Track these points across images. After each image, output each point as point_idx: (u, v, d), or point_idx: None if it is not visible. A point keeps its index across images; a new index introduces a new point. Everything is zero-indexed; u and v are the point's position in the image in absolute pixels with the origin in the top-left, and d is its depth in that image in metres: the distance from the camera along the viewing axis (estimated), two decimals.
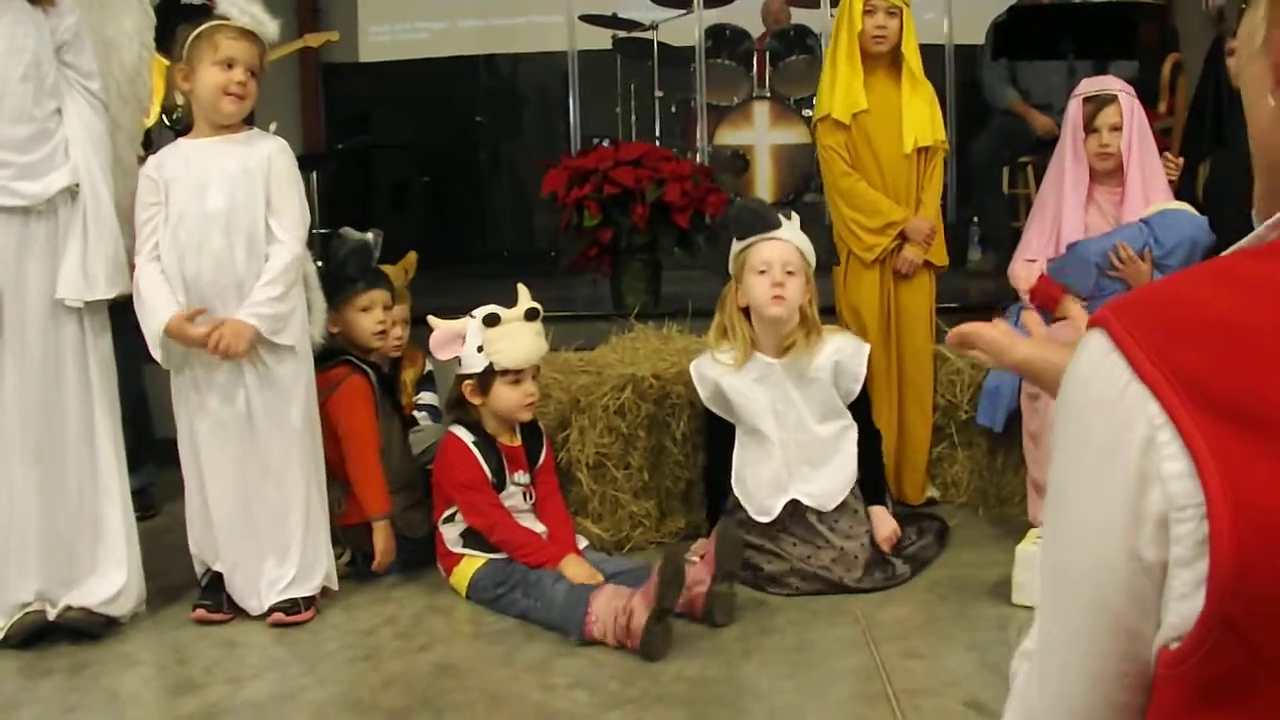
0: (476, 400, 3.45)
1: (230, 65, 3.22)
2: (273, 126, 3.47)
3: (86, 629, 3.15)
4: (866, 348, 3.63)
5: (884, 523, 3.55)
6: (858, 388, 3.60)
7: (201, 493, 3.34)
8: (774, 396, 3.53)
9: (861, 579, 3.41)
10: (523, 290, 3.53)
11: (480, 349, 3.42)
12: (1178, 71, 4.57)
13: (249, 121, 3.40)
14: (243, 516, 3.32)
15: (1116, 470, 0.77)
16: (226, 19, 3.22)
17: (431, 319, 3.53)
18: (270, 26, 3.29)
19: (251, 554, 3.32)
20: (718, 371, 3.56)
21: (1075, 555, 0.82)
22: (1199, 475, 0.72)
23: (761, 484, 3.52)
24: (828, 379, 3.54)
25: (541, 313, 3.48)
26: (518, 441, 3.53)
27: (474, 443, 3.44)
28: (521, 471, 3.51)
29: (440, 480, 3.49)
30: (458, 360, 3.49)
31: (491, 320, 3.41)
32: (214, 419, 3.29)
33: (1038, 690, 0.90)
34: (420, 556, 3.61)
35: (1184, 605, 0.75)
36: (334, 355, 3.66)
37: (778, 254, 3.46)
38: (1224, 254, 0.84)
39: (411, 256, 4.36)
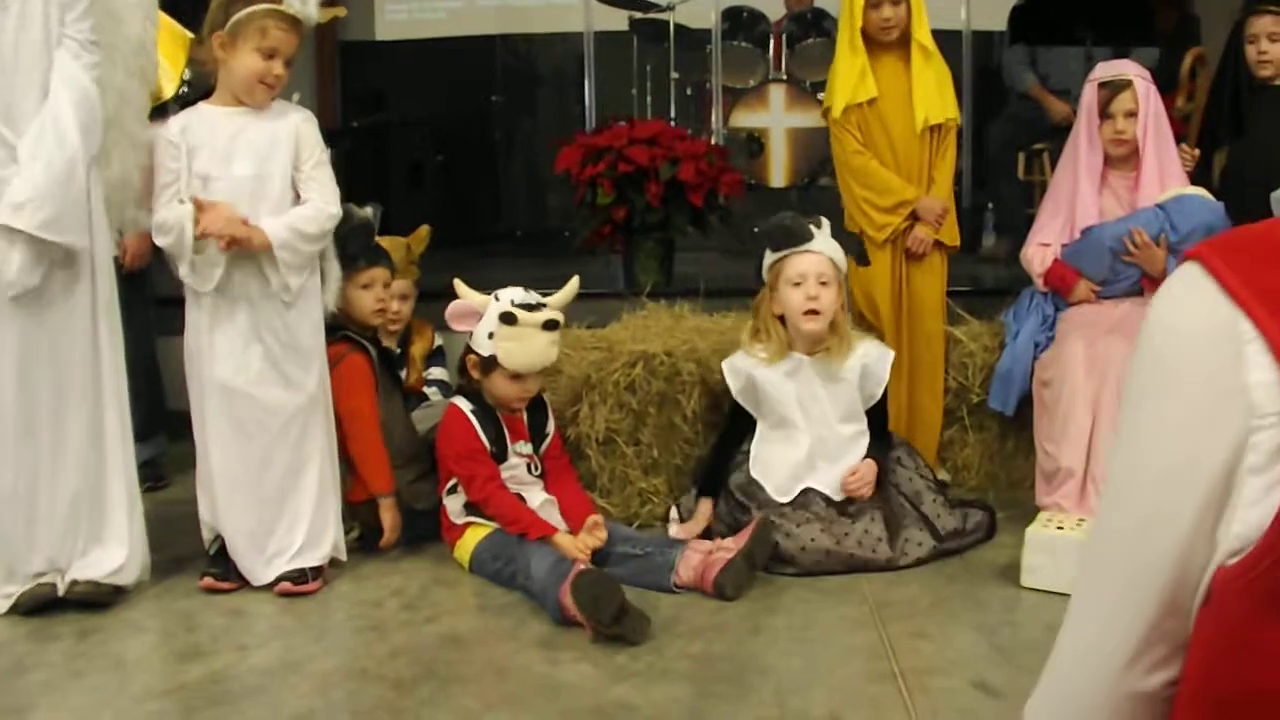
0: (476, 376, 3.48)
1: (272, 55, 3.23)
2: (295, 97, 3.47)
3: (95, 600, 3.16)
4: (891, 354, 3.72)
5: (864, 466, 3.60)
6: (879, 392, 3.68)
7: (209, 460, 3.34)
8: (802, 392, 3.61)
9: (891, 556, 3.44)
10: (572, 282, 3.54)
11: (491, 336, 3.41)
12: (1199, 65, 4.53)
13: None
14: (252, 483, 3.32)
15: (1202, 384, 0.81)
16: (279, 3, 3.21)
17: (458, 283, 3.52)
18: (315, 13, 3.29)
19: (259, 522, 3.32)
20: (751, 364, 3.63)
21: (1151, 465, 0.85)
22: None
23: (785, 466, 3.58)
24: (854, 381, 3.64)
25: (561, 324, 3.47)
26: (520, 414, 3.54)
27: (472, 411, 3.46)
28: (523, 441, 3.52)
29: (442, 451, 3.50)
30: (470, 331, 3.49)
31: (509, 319, 3.39)
32: (226, 384, 3.29)
33: (1076, 624, 0.93)
34: (428, 529, 3.62)
35: (1253, 512, 0.79)
36: (332, 331, 3.62)
37: (811, 266, 3.56)
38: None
39: (422, 230, 4.35)
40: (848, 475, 3.54)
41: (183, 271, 3.26)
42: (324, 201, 3.31)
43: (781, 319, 3.63)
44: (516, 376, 3.43)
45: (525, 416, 3.56)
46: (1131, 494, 0.88)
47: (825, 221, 3.69)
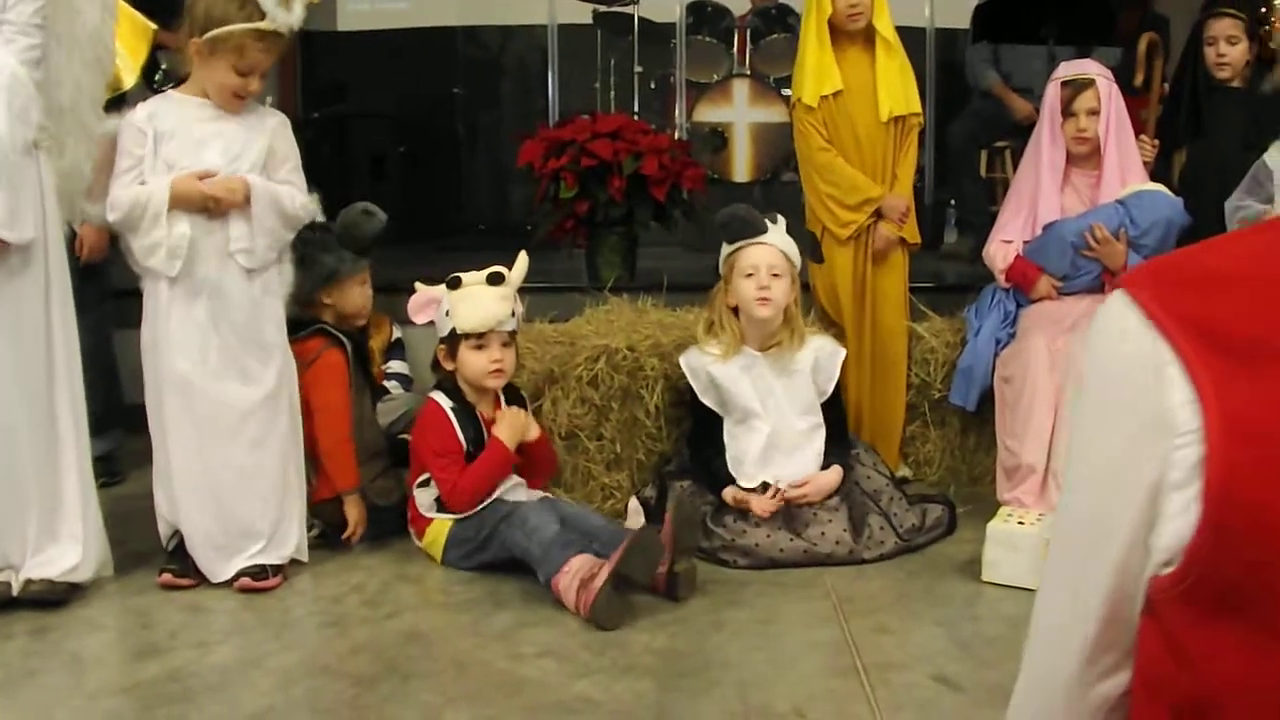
0: (449, 365, 3.49)
1: (248, 72, 3.20)
2: (269, 100, 3.44)
3: (50, 598, 3.11)
4: (843, 352, 3.78)
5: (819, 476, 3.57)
6: (830, 388, 3.71)
7: (168, 454, 3.30)
8: (758, 386, 3.63)
9: (852, 550, 3.44)
10: (520, 259, 3.55)
11: (448, 313, 3.44)
12: (1154, 51, 4.56)
13: None
14: (210, 479, 3.28)
15: (1130, 405, 0.86)
16: (261, 18, 3.17)
17: (417, 284, 3.55)
18: (298, 22, 3.26)
19: (217, 519, 3.28)
20: (706, 361, 3.65)
21: (1088, 482, 0.92)
22: (1200, 401, 0.81)
23: (750, 455, 3.58)
24: (807, 374, 3.67)
25: (507, 277, 3.47)
26: (495, 412, 3.53)
27: (452, 409, 3.45)
28: None
29: (417, 445, 3.49)
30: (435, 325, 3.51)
31: (453, 283, 3.45)
32: (184, 377, 3.25)
33: (1037, 630, 0.99)
34: (390, 525, 3.61)
35: (1175, 524, 0.83)
36: (306, 325, 3.61)
37: (764, 257, 3.61)
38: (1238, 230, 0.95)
39: None
40: (796, 488, 3.50)
41: (140, 256, 3.21)
42: (303, 199, 3.31)
43: (735, 311, 3.67)
44: (479, 345, 3.43)
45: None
46: (1074, 510, 0.94)
47: (780, 217, 3.74)
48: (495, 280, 3.45)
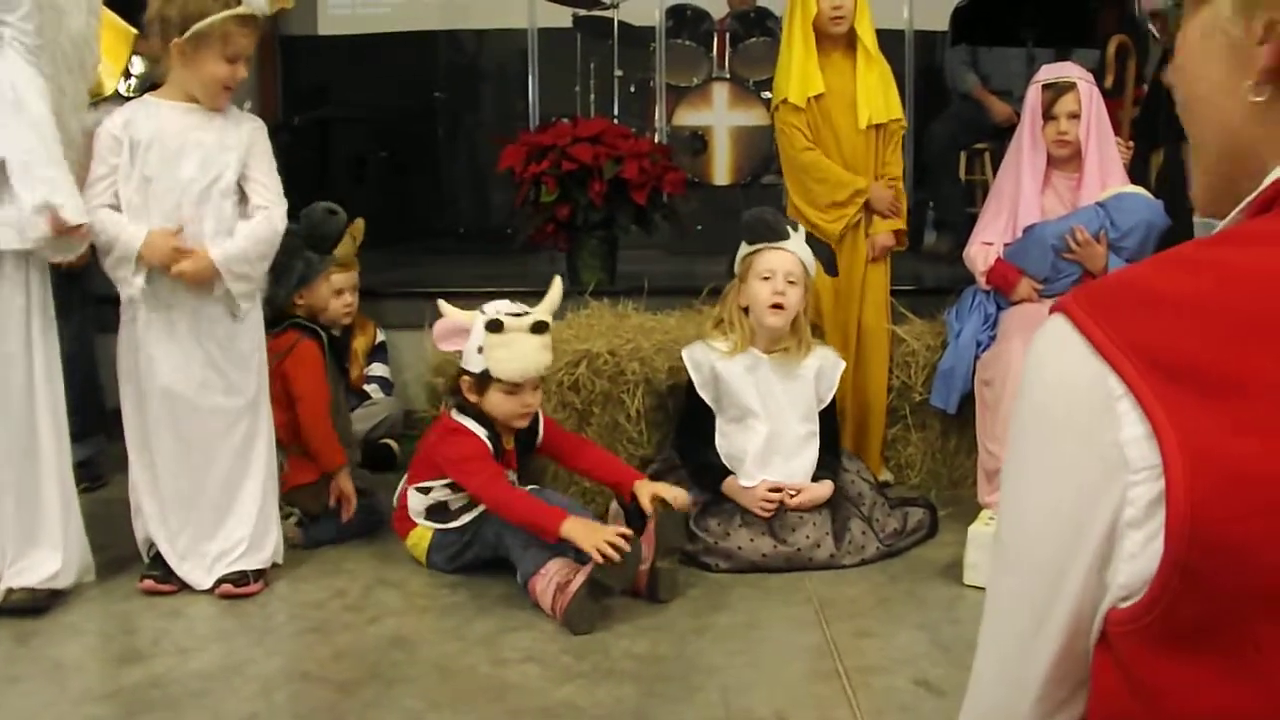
0: (473, 398, 3.38)
1: (234, 60, 3.19)
2: (247, 105, 3.43)
3: (32, 606, 3.10)
4: (843, 364, 3.78)
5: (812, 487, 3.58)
6: (829, 397, 3.72)
7: (151, 466, 3.29)
8: (761, 388, 3.63)
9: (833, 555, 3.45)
10: (554, 286, 3.47)
11: (480, 350, 3.32)
12: (1124, 53, 4.58)
13: None
14: (191, 489, 3.28)
15: (1076, 442, 0.82)
16: (239, 4, 3.16)
17: (442, 304, 3.46)
18: (265, 3, 3.23)
19: (197, 526, 3.28)
20: (712, 356, 3.65)
21: (1035, 525, 0.87)
22: (1156, 436, 0.77)
23: (749, 454, 3.58)
24: (810, 380, 3.68)
25: (550, 326, 3.39)
26: (511, 445, 3.48)
27: (488, 436, 3.37)
28: (512, 471, 3.46)
29: (440, 455, 3.38)
30: (459, 352, 3.42)
31: (494, 326, 3.30)
32: (169, 391, 3.24)
33: (983, 666, 0.96)
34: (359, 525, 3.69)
35: (1133, 564, 0.80)
36: (281, 320, 3.67)
37: (783, 263, 3.61)
38: (1181, 245, 0.89)
39: (359, 223, 4.33)
40: (790, 490, 3.52)
41: (108, 272, 3.22)
42: (274, 214, 3.27)
43: (746, 311, 3.67)
44: (512, 390, 3.34)
45: (514, 443, 3.49)
46: (1020, 553, 0.89)
47: (802, 227, 3.75)
48: (539, 329, 3.33)
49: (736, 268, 3.72)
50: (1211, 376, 0.77)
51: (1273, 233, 0.83)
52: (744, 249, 3.70)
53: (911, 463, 4.25)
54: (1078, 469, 0.81)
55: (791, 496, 3.50)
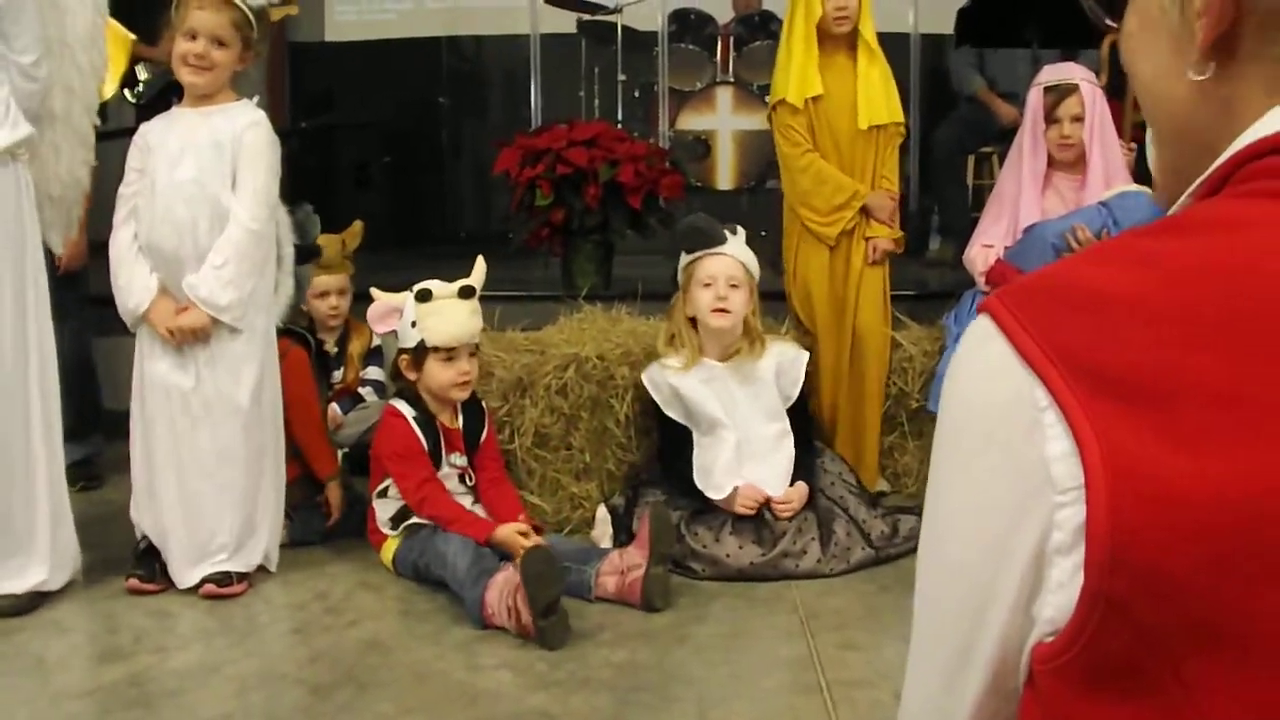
0: (412, 376, 3.45)
1: (193, 36, 3.20)
2: (255, 99, 3.42)
3: (15, 610, 3.09)
4: (805, 355, 3.75)
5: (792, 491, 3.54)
6: (795, 392, 3.69)
7: (146, 461, 3.31)
8: (721, 397, 3.60)
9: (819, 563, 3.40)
10: (478, 264, 3.51)
11: (414, 324, 3.39)
12: (1117, 51, 4.53)
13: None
14: (184, 490, 3.29)
15: (1000, 457, 0.73)
16: None
17: (374, 290, 3.53)
18: None
19: (188, 528, 3.27)
20: (667, 375, 3.62)
21: (955, 547, 0.79)
22: (1080, 454, 0.69)
23: (719, 464, 3.53)
24: (770, 380, 3.65)
25: (478, 290, 3.44)
26: (458, 424, 3.51)
27: (414, 418, 3.42)
28: (458, 454, 3.48)
29: (378, 450, 3.47)
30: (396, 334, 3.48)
31: (423, 295, 3.40)
32: (163, 390, 3.27)
33: (908, 699, 0.87)
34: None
35: (1060, 595, 0.72)
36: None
37: (722, 268, 3.60)
38: (1122, 233, 0.82)
39: (356, 226, 4.31)
40: (779, 504, 3.48)
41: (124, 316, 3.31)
42: (245, 215, 3.24)
43: (694, 323, 3.64)
44: (448, 358, 3.39)
45: (461, 425, 3.51)
46: (942, 582, 0.81)
47: (740, 229, 3.72)
48: (466, 294, 3.41)
49: (679, 278, 3.70)
50: (1144, 385, 0.69)
51: (1214, 219, 0.76)
52: (684, 258, 3.69)
53: (909, 471, 4.18)
54: (1001, 488, 0.73)
55: (781, 510, 3.45)
